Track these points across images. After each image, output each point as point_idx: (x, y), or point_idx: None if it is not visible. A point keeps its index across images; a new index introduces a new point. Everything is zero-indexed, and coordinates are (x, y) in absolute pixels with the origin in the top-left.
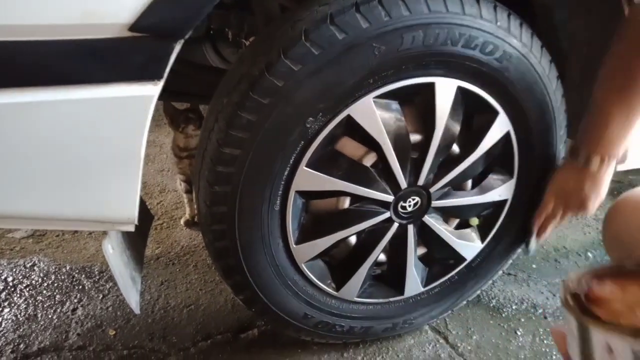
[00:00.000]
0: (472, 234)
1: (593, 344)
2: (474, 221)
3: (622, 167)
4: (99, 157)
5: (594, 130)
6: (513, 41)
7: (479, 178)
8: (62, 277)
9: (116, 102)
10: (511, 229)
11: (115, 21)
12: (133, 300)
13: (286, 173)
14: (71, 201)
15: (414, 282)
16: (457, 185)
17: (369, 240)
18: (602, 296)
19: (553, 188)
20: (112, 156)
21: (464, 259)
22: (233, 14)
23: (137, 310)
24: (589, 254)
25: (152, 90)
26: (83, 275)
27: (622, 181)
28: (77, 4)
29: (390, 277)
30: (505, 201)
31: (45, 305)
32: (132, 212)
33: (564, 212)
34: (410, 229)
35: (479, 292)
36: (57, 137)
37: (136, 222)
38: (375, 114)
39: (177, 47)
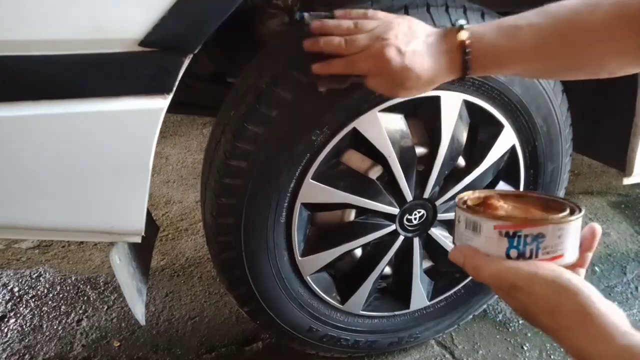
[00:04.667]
0: None
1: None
2: None
3: (629, 181)
4: (107, 169)
5: (497, 24)
6: None
7: None
8: (68, 288)
9: (125, 115)
10: None
11: (126, 36)
12: (139, 311)
13: (292, 185)
14: (79, 212)
15: (419, 296)
16: None
17: (374, 253)
18: (493, 203)
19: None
20: (120, 168)
21: None
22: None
23: (142, 322)
24: (596, 268)
25: (161, 103)
26: (88, 286)
27: (629, 195)
28: (88, 20)
29: (396, 290)
30: None
31: (50, 316)
32: (140, 224)
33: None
34: (416, 241)
35: (485, 306)
36: (67, 149)
37: (143, 233)
38: (381, 127)
39: (187, 62)
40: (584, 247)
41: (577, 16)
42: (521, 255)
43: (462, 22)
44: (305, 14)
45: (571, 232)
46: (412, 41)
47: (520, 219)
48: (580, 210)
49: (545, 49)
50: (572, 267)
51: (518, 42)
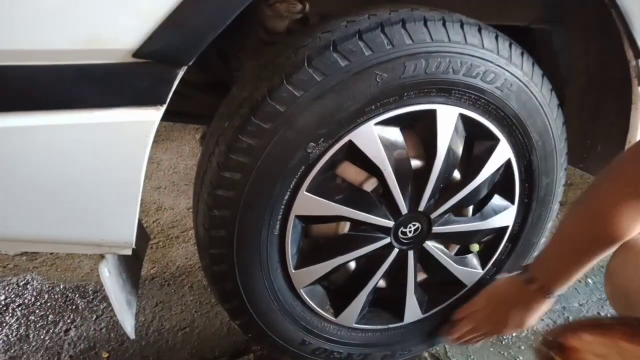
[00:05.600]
0: (473, 260)
1: None
2: (475, 247)
3: None
4: (98, 180)
5: (546, 254)
6: (514, 70)
7: (479, 204)
8: (56, 297)
9: (118, 126)
10: (512, 255)
11: (120, 47)
12: (128, 324)
13: (286, 197)
14: (69, 224)
15: (413, 309)
16: (458, 212)
17: (368, 265)
18: (573, 346)
19: (489, 290)
20: (111, 180)
21: (464, 285)
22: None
23: (132, 335)
24: (589, 280)
25: (154, 115)
26: (77, 295)
27: None
28: (81, 30)
29: (390, 303)
30: (506, 227)
31: (37, 325)
32: (130, 236)
33: (484, 322)
34: (411, 254)
35: None
36: (58, 161)
37: (134, 245)
38: (376, 140)
39: (181, 73)
40: None
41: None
42: None
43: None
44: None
45: None
46: (505, 319)
47: None
48: None
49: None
50: None
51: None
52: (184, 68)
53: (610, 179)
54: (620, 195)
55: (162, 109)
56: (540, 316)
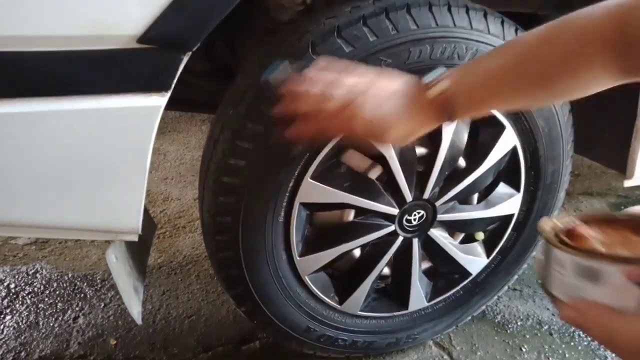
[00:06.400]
0: (478, 248)
1: (551, 262)
2: (480, 235)
3: (630, 183)
4: (104, 167)
5: (474, 69)
6: None
7: (485, 192)
8: (64, 285)
9: (123, 112)
10: (517, 243)
11: (124, 33)
12: (135, 310)
13: (291, 185)
14: (75, 210)
15: (418, 297)
16: (463, 199)
17: (373, 253)
18: (583, 234)
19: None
20: (117, 166)
21: (469, 274)
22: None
23: (139, 321)
24: None
25: (159, 101)
26: (85, 284)
27: (629, 196)
28: (86, 16)
29: (394, 291)
30: (511, 216)
31: (47, 313)
32: (136, 222)
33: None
34: (415, 242)
35: (484, 307)
36: (63, 147)
37: (140, 232)
38: None
39: (185, 59)
40: None
41: (541, 43)
42: None
43: (428, 79)
44: (271, 76)
45: None
46: (383, 104)
47: None
48: None
49: (510, 79)
50: None
51: (484, 79)
52: (189, 54)
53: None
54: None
55: (167, 95)
56: (416, 134)
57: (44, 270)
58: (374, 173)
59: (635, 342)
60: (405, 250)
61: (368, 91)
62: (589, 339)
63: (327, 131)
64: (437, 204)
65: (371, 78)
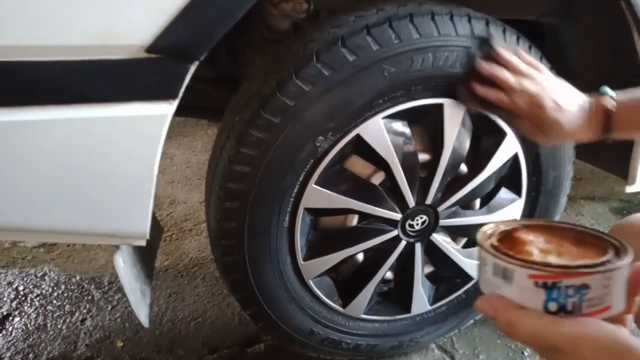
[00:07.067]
0: None
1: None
2: None
3: (632, 189)
4: (113, 174)
5: None
6: None
7: (487, 197)
8: (72, 287)
9: (131, 120)
10: None
11: (132, 42)
12: (142, 313)
13: (295, 190)
14: (84, 215)
15: (421, 300)
16: (465, 205)
17: (376, 257)
18: (521, 238)
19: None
20: (126, 173)
21: (471, 278)
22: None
23: (146, 324)
24: None
25: (166, 109)
26: (92, 286)
27: (631, 201)
28: (95, 26)
29: (397, 294)
30: None
31: (54, 315)
32: (144, 228)
33: (524, 95)
34: (418, 247)
35: None
36: (73, 154)
37: (148, 237)
38: (384, 134)
39: (193, 68)
40: (631, 290)
41: None
42: (562, 309)
43: (606, 89)
44: (493, 39)
45: (619, 279)
46: (568, 99)
47: (559, 269)
48: (626, 252)
49: None
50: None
51: None
52: (196, 63)
53: None
54: None
55: (174, 104)
56: (575, 140)
57: (52, 272)
58: (377, 179)
59: (531, 334)
60: (408, 255)
61: (558, 84)
62: None
63: (515, 106)
64: (440, 209)
65: (558, 79)
